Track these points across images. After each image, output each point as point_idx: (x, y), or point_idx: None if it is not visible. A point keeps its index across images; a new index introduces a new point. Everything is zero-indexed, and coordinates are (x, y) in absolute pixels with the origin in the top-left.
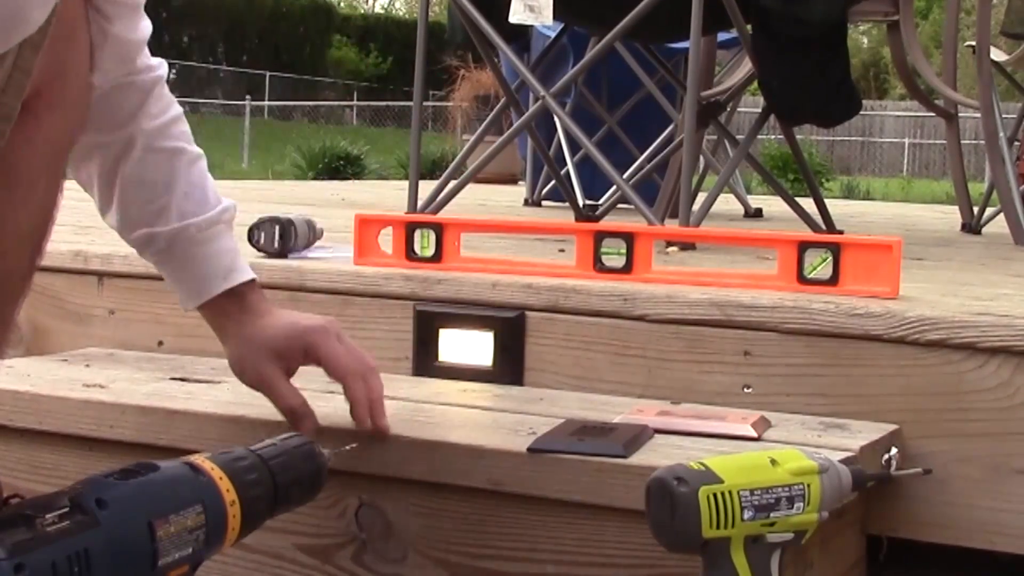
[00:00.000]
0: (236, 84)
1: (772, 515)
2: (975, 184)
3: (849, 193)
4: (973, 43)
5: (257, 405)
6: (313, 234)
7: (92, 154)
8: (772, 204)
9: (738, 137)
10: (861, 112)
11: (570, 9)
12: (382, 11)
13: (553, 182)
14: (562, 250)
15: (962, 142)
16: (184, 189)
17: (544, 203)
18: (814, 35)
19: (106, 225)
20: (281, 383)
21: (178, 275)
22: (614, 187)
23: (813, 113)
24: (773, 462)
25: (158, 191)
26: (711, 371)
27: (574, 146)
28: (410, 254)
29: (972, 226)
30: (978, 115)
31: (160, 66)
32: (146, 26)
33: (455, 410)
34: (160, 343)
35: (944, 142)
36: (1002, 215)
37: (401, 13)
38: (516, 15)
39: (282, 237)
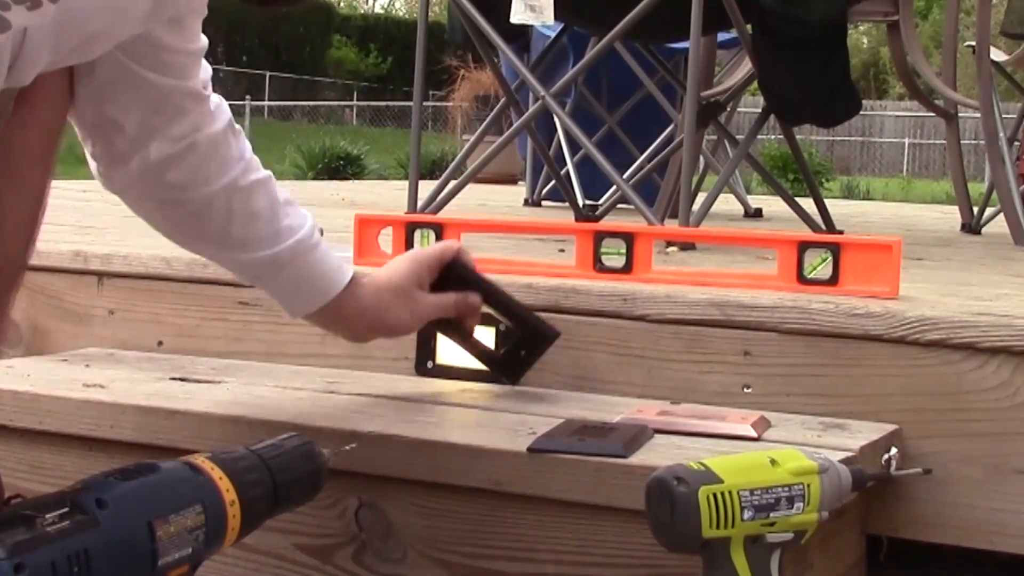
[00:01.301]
0: (236, 84)
1: (772, 515)
2: (975, 184)
3: (849, 193)
4: (973, 43)
5: (257, 405)
6: None
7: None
8: (772, 204)
9: (738, 137)
10: (861, 112)
11: (570, 9)
12: (382, 11)
13: (553, 182)
14: (562, 250)
15: (962, 142)
16: (286, 208)
17: (544, 203)
18: (814, 35)
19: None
20: (430, 300)
21: (295, 284)
22: (614, 187)
23: (813, 113)
24: (773, 462)
25: (272, 214)
26: (711, 371)
27: (574, 146)
28: None
29: (972, 226)
30: (978, 115)
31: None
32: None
33: (455, 410)
34: (160, 343)
35: (944, 142)
36: (1002, 215)
37: (401, 13)
38: (516, 15)
39: None
